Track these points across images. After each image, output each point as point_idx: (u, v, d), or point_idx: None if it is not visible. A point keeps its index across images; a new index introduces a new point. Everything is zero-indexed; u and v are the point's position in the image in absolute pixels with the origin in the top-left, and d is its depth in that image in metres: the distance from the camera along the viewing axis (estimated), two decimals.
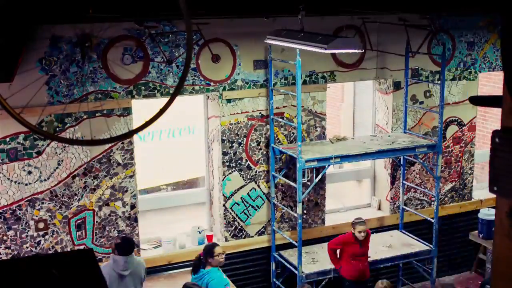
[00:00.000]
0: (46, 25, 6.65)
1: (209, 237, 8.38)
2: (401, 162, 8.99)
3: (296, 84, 7.37)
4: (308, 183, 7.80)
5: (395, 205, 9.18)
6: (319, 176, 7.74)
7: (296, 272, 7.79)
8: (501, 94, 2.16)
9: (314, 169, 7.85)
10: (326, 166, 7.78)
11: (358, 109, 9.47)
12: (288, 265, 8.08)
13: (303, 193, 7.63)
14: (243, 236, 8.46)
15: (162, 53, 7.54)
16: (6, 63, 5.71)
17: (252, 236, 8.50)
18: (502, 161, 2.09)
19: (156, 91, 7.63)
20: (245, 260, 8.27)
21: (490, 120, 11.20)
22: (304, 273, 7.77)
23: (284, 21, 7.81)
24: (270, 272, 8.51)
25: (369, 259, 8.11)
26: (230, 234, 8.35)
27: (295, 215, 7.73)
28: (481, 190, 9.99)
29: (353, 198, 9.94)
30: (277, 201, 8.42)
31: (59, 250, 7.49)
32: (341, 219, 9.23)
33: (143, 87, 7.58)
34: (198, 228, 8.35)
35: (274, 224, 8.40)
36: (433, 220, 8.44)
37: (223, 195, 8.25)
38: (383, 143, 8.27)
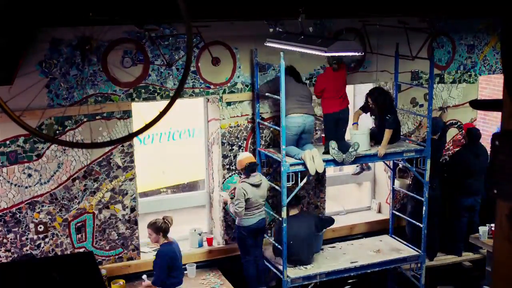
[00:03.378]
0: (46, 28, 6.65)
1: (209, 240, 8.37)
2: (391, 167, 8.96)
3: (280, 88, 7.34)
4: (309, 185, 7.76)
5: (395, 208, 9.16)
6: (304, 180, 7.71)
7: (282, 276, 7.75)
8: (501, 97, 2.16)
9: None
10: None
11: None
12: (274, 270, 8.05)
13: (287, 197, 7.61)
14: None
15: (162, 56, 7.54)
16: (6, 65, 5.71)
17: None
18: (502, 164, 2.09)
19: (156, 94, 7.64)
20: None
21: (490, 123, 11.22)
22: (290, 278, 7.73)
23: (284, 24, 7.84)
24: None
25: (356, 264, 8.11)
26: (230, 237, 8.34)
27: (280, 218, 7.70)
28: None
29: (353, 201, 9.93)
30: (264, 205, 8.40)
31: (59, 253, 7.49)
32: (341, 221, 9.22)
33: (143, 90, 7.58)
34: (195, 230, 8.34)
35: None
36: (421, 225, 8.40)
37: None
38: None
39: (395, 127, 8.24)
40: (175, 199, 8.74)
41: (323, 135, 8.24)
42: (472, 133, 8.95)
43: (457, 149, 9.43)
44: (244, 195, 7.59)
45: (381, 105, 8.22)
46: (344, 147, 7.87)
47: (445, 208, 8.89)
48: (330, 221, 8.43)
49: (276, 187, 7.92)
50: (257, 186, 7.67)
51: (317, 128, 8.46)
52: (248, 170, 7.68)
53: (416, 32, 8.47)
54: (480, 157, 8.92)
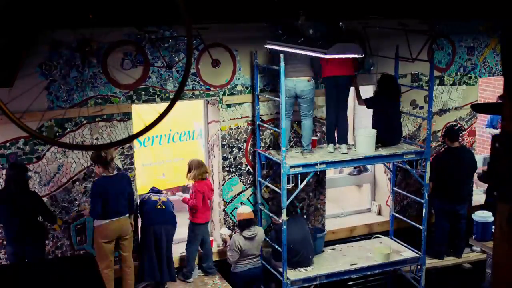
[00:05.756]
0: (46, 30, 6.65)
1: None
2: (392, 168, 8.96)
3: (280, 89, 7.33)
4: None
5: (395, 210, 9.15)
6: (304, 182, 7.70)
7: (282, 278, 7.75)
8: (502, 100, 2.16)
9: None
10: (311, 172, 7.72)
11: (358, 114, 9.46)
12: (274, 272, 8.04)
13: (287, 199, 7.61)
14: None
15: (162, 58, 7.54)
16: (7, 67, 5.71)
17: None
18: (503, 166, 2.09)
19: (156, 96, 7.63)
20: None
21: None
22: (290, 280, 7.72)
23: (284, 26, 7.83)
24: None
25: (356, 266, 8.11)
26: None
27: (280, 221, 7.70)
28: (481, 195, 9.98)
29: (353, 203, 9.92)
30: (264, 208, 8.39)
31: (59, 255, 7.47)
32: (341, 224, 9.21)
33: (143, 92, 7.58)
34: None
35: None
36: (421, 227, 8.38)
37: (223, 200, 8.24)
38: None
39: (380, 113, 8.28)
40: (175, 201, 8.72)
41: (314, 138, 8.21)
42: (452, 133, 8.88)
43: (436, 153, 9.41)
44: (238, 247, 7.73)
45: (384, 90, 8.23)
46: (344, 131, 8.04)
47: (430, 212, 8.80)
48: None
49: (276, 189, 7.92)
50: (250, 239, 7.76)
51: (317, 130, 8.45)
52: (241, 225, 7.81)
53: (416, 34, 8.47)
54: (463, 163, 8.82)
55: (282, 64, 7.21)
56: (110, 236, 7.27)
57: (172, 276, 7.78)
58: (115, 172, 7.30)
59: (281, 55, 7.22)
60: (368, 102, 8.36)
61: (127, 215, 7.43)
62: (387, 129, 8.21)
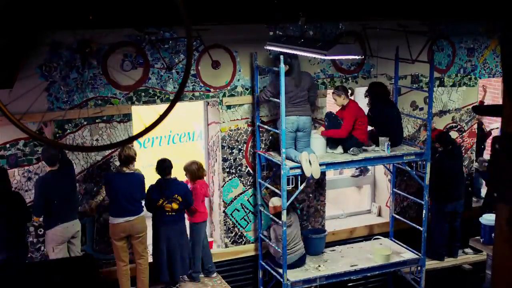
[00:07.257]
0: (46, 31, 6.65)
1: (209, 243, 8.36)
2: (392, 170, 8.95)
3: (280, 91, 7.33)
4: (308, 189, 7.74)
5: (395, 211, 9.15)
6: (304, 183, 7.70)
7: (282, 279, 7.75)
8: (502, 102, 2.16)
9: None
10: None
11: None
12: (274, 273, 8.04)
13: (287, 201, 7.60)
14: (243, 243, 8.46)
15: (162, 59, 7.54)
16: (7, 69, 5.71)
17: (253, 242, 8.49)
18: (503, 167, 2.09)
19: (156, 98, 7.63)
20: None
21: (490, 126, 11.21)
22: (290, 281, 7.72)
23: (284, 27, 7.84)
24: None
25: (356, 267, 8.11)
26: (230, 241, 8.34)
27: (280, 222, 7.69)
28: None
29: (353, 204, 9.92)
30: (264, 209, 8.37)
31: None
32: (341, 225, 9.21)
33: (143, 94, 7.58)
34: None
35: (260, 232, 8.38)
36: (421, 228, 8.38)
37: (223, 201, 8.24)
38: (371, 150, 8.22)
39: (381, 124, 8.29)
40: None
41: None
42: (443, 138, 8.90)
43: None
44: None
45: (379, 97, 8.28)
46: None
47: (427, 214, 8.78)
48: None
49: (276, 190, 7.91)
50: (289, 226, 7.68)
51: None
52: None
53: (416, 35, 8.47)
54: (457, 161, 8.94)
55: (282, 65, 7.20)
56: (118, 235, 7.32)
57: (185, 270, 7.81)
58: (130, 171, 7.33)
59: (281, 56, 7.22)
60: (372, 118, 8.33)
61: (140, 214, 7.42)
62: (390, 131, 8.21)
